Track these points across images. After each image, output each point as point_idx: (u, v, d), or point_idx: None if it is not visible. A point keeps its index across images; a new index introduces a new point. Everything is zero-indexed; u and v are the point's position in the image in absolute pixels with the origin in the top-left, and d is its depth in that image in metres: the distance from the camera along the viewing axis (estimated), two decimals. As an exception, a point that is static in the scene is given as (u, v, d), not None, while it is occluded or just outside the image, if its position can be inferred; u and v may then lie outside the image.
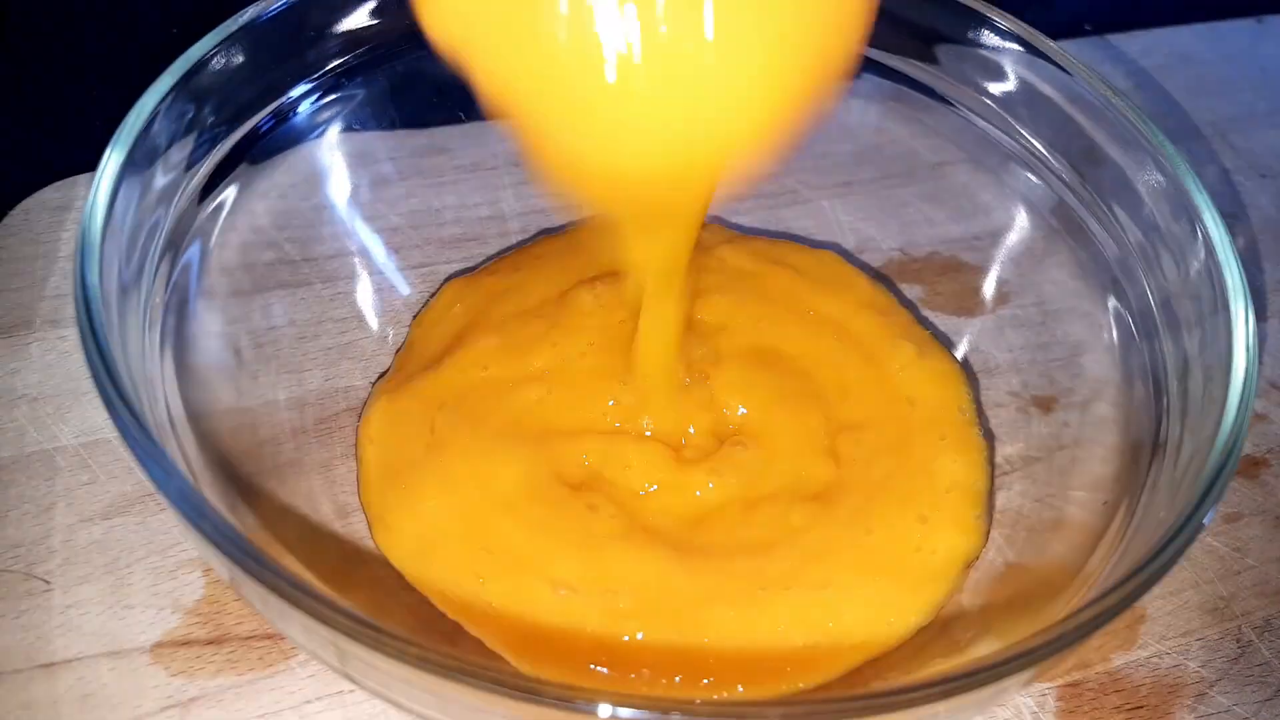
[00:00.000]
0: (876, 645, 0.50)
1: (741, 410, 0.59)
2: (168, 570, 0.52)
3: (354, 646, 0.34)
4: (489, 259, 0.68)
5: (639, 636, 0.49)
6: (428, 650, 0.33)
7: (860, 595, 0.51)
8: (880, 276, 0.69)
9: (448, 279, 0.66)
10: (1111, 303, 0.59)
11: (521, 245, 0.69)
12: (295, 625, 0.37)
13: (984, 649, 0.47)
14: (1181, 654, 0.54)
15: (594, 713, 0.33)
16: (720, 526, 0.54)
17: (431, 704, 0.39)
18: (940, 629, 0.51)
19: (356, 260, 0.66)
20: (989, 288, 0.68)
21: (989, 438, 0.60)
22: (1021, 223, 0.66)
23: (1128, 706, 0.52)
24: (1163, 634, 0.54)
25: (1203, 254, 0.49)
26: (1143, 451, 0.51)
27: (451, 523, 0.53)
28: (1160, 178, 0.53)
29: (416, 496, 0.54)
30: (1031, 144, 0.62)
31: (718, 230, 0.70)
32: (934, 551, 0.53)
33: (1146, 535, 0.44)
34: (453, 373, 0.59)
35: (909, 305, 0.67)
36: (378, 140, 0.69)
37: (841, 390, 0.61)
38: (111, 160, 0.46)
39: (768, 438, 0.58)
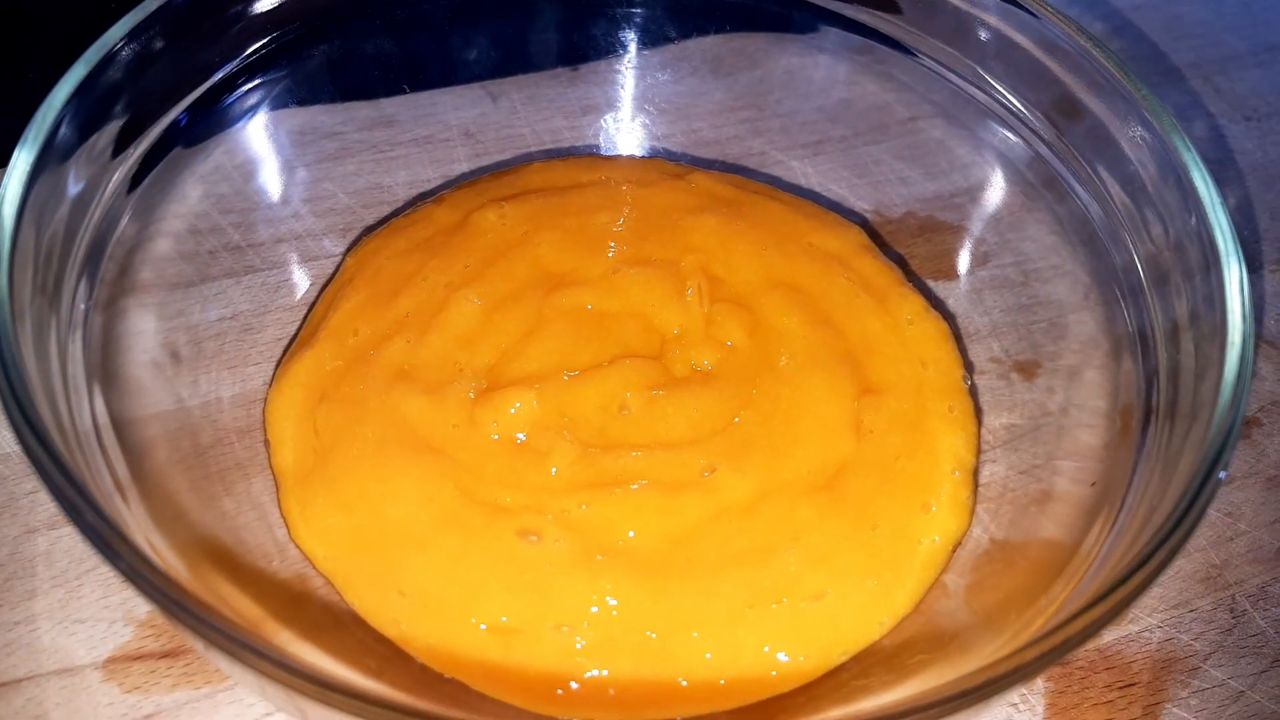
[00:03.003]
0: (864, 642, 0.48)
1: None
2: (118, 581, 0.50)
3: (290, 696, 0.32)
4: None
5: (603, 673, 0.46)
6: (372, 704, 0.31)
7: (857, 599, 0.49)
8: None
9: (362, 233, 0.63)
10: (1094, 263, 0.56)
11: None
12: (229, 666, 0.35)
13: (973, 636, 0.45)
14: (1174, 627, 0.52)
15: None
16: (711, 539, 0.50)
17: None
18: (926, 617, 0.49)
19: (305, 244, 0.63)
20: (966, 249, 0.65)
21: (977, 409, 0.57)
22: (998, 180, 0.63)
23: (1120, 684, 0.50)
24: (1154, 606, 0.52)
25: (1191, 213, 0.47)
26: (1133, 418, 0.49)
27: (354, 553, 0.49)
28: (1144, 131, 0.50)
29: (318, 513, 0.50)
30: (1006, 97, 0.59)
31: (685, 166, 0.67)
32: (933, 540, 0.51)
33: (1148, 509, 0.42)
34: (328, 346, 0.56)
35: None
36: (322, 115, 0.66)
37: (867, 344, 0.57)
38: (20, 160, 0.43)
39: (793, 402, 0.54)
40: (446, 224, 0.61)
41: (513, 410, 0.52)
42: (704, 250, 0.61)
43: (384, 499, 0.50)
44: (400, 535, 0.49)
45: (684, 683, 0.46)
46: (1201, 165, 0.47)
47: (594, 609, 0.47)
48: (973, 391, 0.57)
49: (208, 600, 0.36)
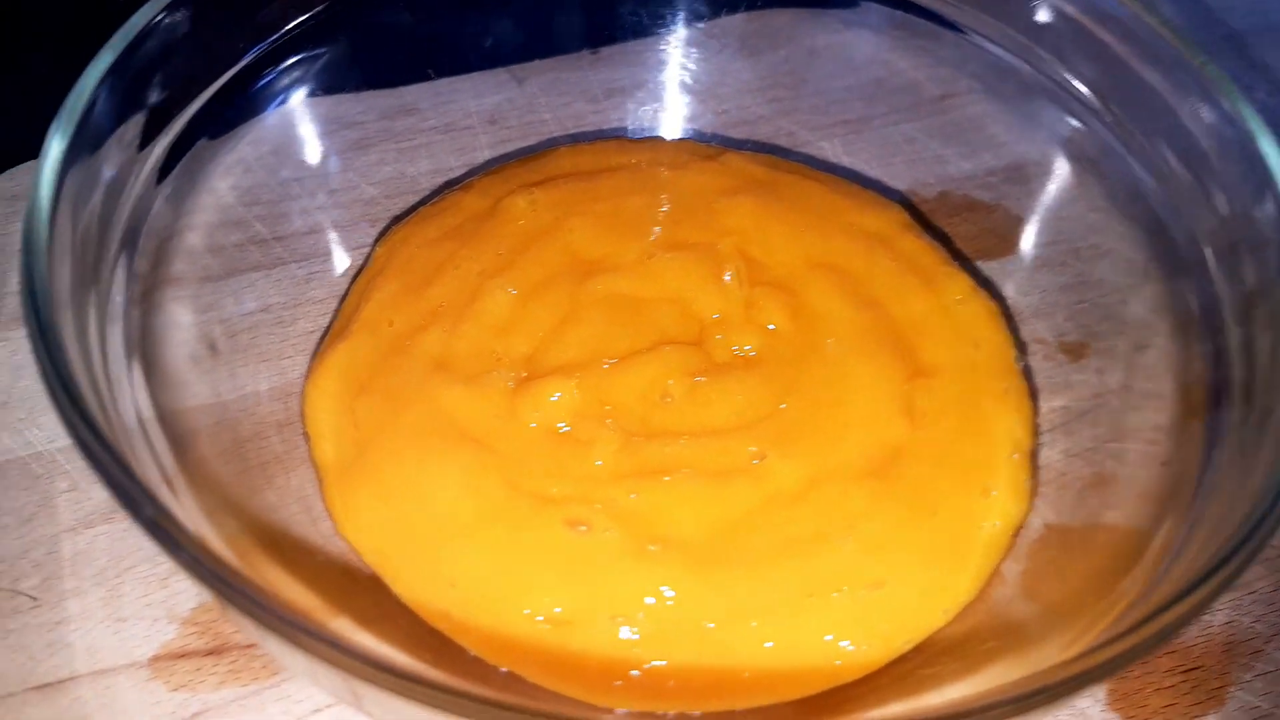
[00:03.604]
0: (927, 630, 0.47)
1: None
2: (159, 578, 0.49)
3: (352, 682, 0.31)
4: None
5: (662, 664, 0.45)
6: (434, 689, 0.30)
7: (918, 586, 0.47)
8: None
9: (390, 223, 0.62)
10: (1151, 238, 0.55)
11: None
12: (291, 657, 0.34)
13: (1041, 626, 0.44)
14: (1234, 609, 0.51)
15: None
16: (763, 527, 0.48)
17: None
18: (988, 605, 0.48)
19: (331, 235, 0.61)
20: (1011, 228, 0.63)
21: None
22: (1045, 156, 0.62)
23: (1181, 669, 0.49)
24: (1215, 588, 0.51)
25: (1258, 182, 0.45)
26: (1201, 398, 0.48)
27: (401, 545, 0.48)
28: (1203, 100, 0.49)
29: (361, 507, 0.49)
30: (1053, 69, 0.58)
31: (716, 147, 0.65)
32: (994, 525, 0.50)
33: (1228, 497, 0.40)
34: (361, 338, 0.54)
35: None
36: (343, 104, 0.65)
37: (915, 325, 0.55)
38: (54, 147, 0.42)
39: (841, 387, 0.53)
40: (476, 211, 0.60)
41: (553, 399, 0.51)
42: (740, 232, 0.59)
43: (428, 491, 0.49)
44: (446, 527, 0.48)
45: (745, 674, 0.45)
46: (1268, 132, 0.46)
47: (649, 600, 0.46)
48: (1026, 373, 0.56)
49: (262, 586, 0.35)
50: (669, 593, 0.46)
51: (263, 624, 0.31)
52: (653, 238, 0.60)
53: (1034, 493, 0.52)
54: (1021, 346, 0.57)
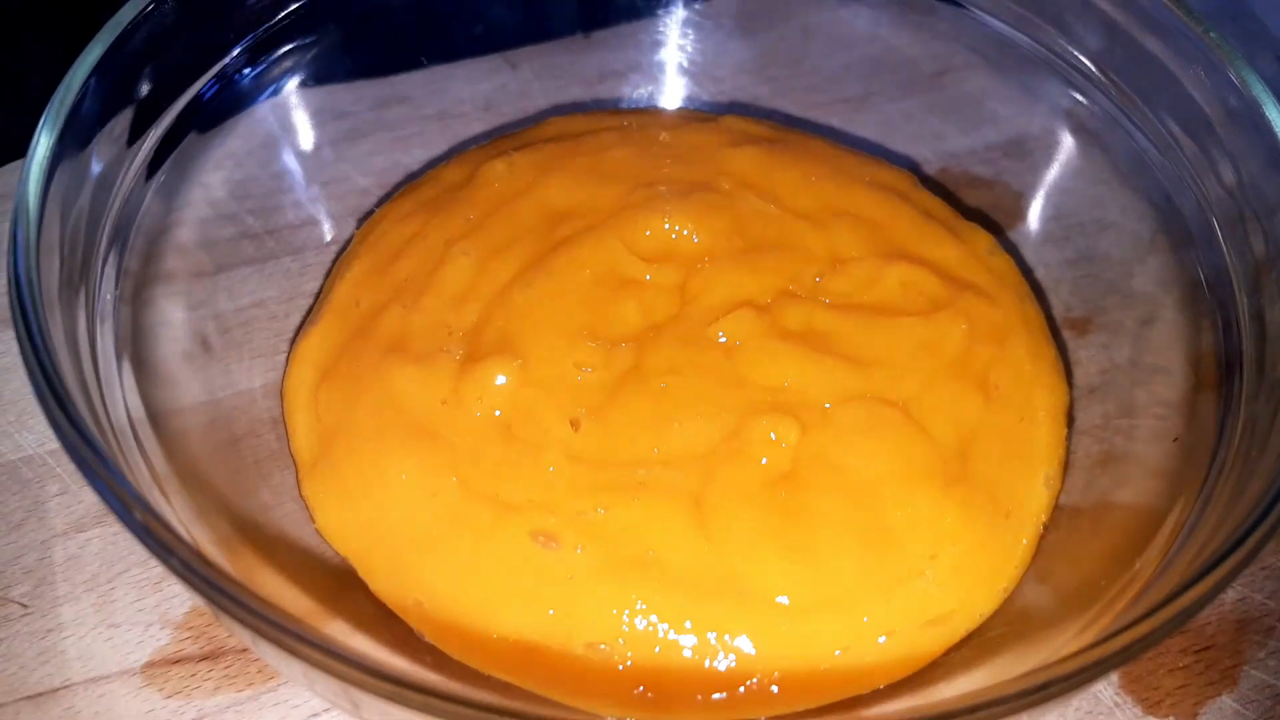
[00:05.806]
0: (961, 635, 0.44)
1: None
2: (152, 582, 0.48)
3: (347, 688, 0.30)
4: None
5: (649, 695, 0.41)
6: (427, 695, 0.29)
7: (972, 609, 0.43)
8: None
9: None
10: (1156, 210, 0.54)
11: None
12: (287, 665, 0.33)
13: (1053, 613, 0.43)
14: (1246, 586, 0.50)
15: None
16: (787, 549, 0.42)
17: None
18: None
19: (325, 227, 0.60)
20: (1011, 203, 0.62)
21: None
22: (1045, 130, 0.61)
23: (1195, 648, 0.48)
24: (1227, 565, 0.50)
25: (1267, 151, 0.44)
26: (1212, 373, 0.47)
27: (370, 549, 0.45)
28: (1206, 69, 0.48)
29: (330, 506, 0.47)
30: (1053, 40, 0.57)
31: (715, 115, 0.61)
32: (1043, 518, 0.46)
33: (1244, 470, 0.39)
34: (331, 321, 0.51)
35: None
36: (334, 95, 0.63)
37: (955, 278, 0.49)
38: (42, 142, 0.41)
39: (894, 363, 0.47)
40: (453, 182, 0.57)
41: (497, 383, 0.46)
42: (744, 178, 0.54)
43: (386, 492, 0.46)
44: (409, 534, 0.45)
45: (748, 691, 0.42)
46: (1274, 99, 0.45)
47: (627, 628, 0.42)
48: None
49: (256, 593, 0.34)
50: (656, 620, 0.42)
51: (254, 630, 0.30)
52: (638, 184, 0.54)
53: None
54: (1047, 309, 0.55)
